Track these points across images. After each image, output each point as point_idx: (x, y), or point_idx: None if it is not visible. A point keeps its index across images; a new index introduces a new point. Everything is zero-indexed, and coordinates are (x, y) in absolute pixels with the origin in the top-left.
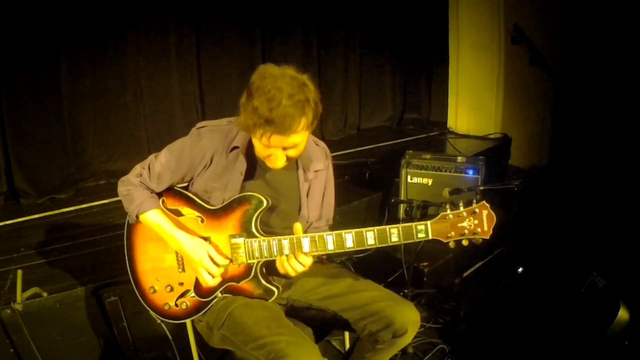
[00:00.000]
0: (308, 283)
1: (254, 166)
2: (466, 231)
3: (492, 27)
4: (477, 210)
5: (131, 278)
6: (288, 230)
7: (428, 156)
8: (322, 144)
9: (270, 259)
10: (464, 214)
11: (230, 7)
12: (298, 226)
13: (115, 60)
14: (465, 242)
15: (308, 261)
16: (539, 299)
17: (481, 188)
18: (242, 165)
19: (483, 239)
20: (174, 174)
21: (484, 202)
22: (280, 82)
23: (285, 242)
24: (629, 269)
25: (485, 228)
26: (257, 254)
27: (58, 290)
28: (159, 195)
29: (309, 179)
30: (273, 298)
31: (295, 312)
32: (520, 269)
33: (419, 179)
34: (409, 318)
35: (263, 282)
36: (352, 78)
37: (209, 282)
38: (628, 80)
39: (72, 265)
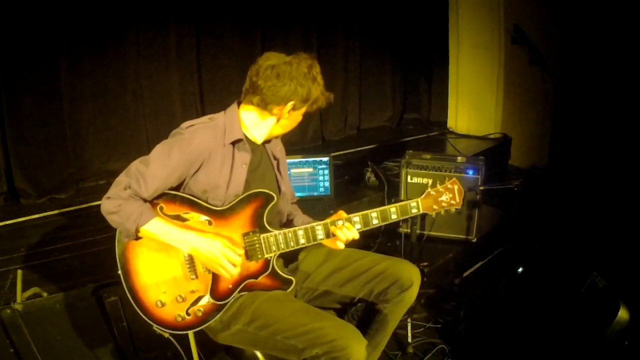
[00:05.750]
0: (309, 264)
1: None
2: (444, 203)
3: (492, 27)
4: (450, 186)
5: (130, 298)
6: (277, 215)
7: (428, 156)
8: None
9: (287, 250)
10: (442, 190)
11: (230, 7)
12: (342, 213)
13: (115, 60)
14: (443, 213)
15: (356, 236)
16: (539, 299)
17: (481, 188)
18: (245, 156)
19: (457, 209)
20: (169, 177)
21: (455, 179)
22: (303, 63)
23: (301, 232)
24: (629, 269)
25: (457, 200)
26: (274, 248)
27: (58, 290)
28: (153, 203)
29: (277, 157)
30: (291, 287)
31: None
32: (520, 269)
33: (419, 179)
34: (412, 272)
35: (281, 273)
36: (352, 78)
37: (232, 272)
38: (628, 80)
39: (72, 265)
